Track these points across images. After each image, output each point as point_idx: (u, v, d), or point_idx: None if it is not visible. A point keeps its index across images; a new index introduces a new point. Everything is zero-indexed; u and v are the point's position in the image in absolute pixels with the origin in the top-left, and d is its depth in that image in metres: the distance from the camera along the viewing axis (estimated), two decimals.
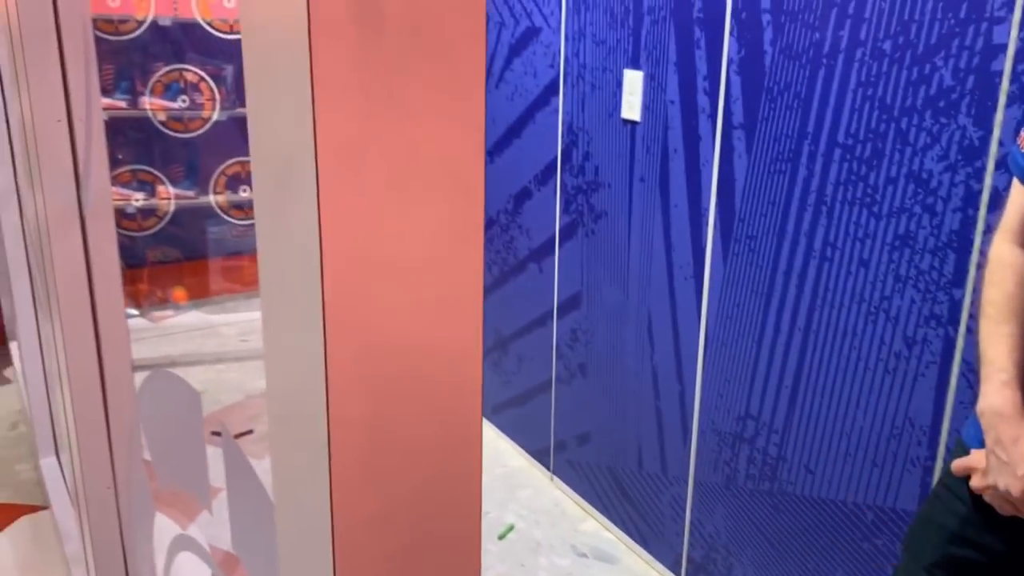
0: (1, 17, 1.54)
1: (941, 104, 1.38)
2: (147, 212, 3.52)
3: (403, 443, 0.51)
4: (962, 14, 1.34)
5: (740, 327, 1.83)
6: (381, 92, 0.42)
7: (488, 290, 2.75)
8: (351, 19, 0.40)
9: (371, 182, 0.43)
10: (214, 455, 0.95)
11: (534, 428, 2.61)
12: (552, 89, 2.29)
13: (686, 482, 2.05)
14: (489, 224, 2.68)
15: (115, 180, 3.41)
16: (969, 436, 1.15)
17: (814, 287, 1.65)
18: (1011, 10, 1.28)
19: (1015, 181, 1.10)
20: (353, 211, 0.43)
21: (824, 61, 1.55)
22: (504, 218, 2.59)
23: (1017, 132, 1.13)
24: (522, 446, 2.69)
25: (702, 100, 1.83)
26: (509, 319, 2.65)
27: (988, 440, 1.03)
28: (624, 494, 2.27)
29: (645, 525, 2.21)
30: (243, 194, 3.67)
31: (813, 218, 1.63)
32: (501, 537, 2.30)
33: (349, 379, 0.47)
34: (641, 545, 2.23)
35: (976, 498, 1.15)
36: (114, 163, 3.42)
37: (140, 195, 3.45)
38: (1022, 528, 1.09)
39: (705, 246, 1.89)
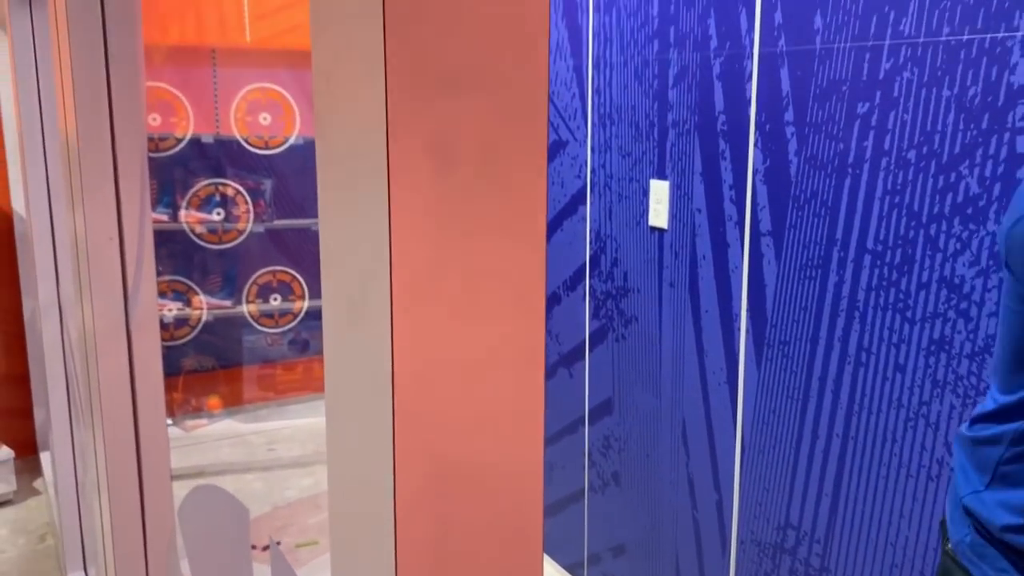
0: (60, 132, 1.62)
1: (969, 211, 1.40)
2: (180, 322, 3.58)
3: (468, 563, 0.51)
4: (984, 125, 1.37)
5: (777, 433, 1.81)
6: (453, 221, 0.44)
7: None
8: (426, 151, 0.43)
9: (441, 306, 0.45)
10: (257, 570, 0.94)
11: (567, 540, 2.56)
12: (579, 198, 2.34)
13: None
14: None
15: None
16: (953, 519, 1.13)
17: (851, 392, 1.64)
18: None
19: None
20: (423, 334, 0.45)
21: (849, 171, 1.59)
22: None
23: None
24: (555, 559, 2.63)
25: (729, 208, 1.86)
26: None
27: None
28: None
29: None
30: (273, 303, 3.73)
31: (846, 323, 1.63)
32: None
33: (416, 503, 0.48)
34: None
35: None
36: None
37: (176, 305, 3.52)
38: None
39: (738, 351, 1.89)
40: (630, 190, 2.15)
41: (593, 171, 2.28)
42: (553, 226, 2.48)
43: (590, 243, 2.32)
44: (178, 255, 3.56)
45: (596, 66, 2.22)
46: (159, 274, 3.52)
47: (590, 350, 2.37)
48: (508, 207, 0.46)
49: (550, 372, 2.57)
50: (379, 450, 0.47)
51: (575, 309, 2.41)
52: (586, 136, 2.29)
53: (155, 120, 3.48)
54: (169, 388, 3.54)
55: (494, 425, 0.50)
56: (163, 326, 3.56)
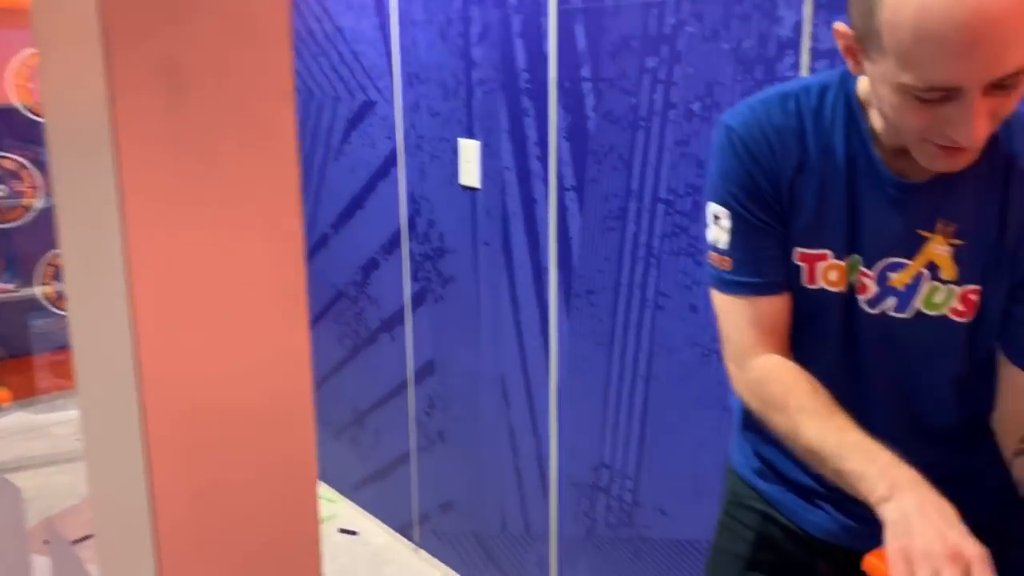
0: None
1: None
2: None
3: (234, 515, 0.50)
4: (758, 75, 1.47)
5: (588, 378, 1.89)
6: (189, 151, 0.42)
7: (341, 364, 2.71)
8: (154, 78, 0.41)
9: (181, 239, 0.43)
10: (44, 565, 0.89)
11: (397, 502, 2.57)
12: (391, 160, 2.32)
13: (548, 538, 2.07)
14: (338, 297, 2.65)
15: None
16: (738, 463, 1.23)
17: (651, 334, 1.73)
18: (798, 71, 1.42)
19: (727, 300, 1.07)
20: (162, 269, 0.43)
21: (642, 124, 1.67)
22: (353, 290, 2.58)
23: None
24: (386, 522, 2.64)
25: (535, 165, 1.91)
26: (364, 392, 2.62)
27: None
28: (491, 558, 2.26)
29: None
30: None
31: (644, 270, 1.72)
32: None
33: (171, 449, 0.46)
34: None
35: (760, 523, 1.21)
36: None
37: None
38: (811, 540, 1.16)
39: (549, 303, 1.95)
40: (441, 150, 2.16)
41: (404, 132, 2.26)
42: (367, 189, 2.44)
43: (405, 205, 2.31)
44: None
45: (401, 24, 2.20)
46: None
47: (412, 312, 2.37)
48: (252, 135, 0.45)
49: (372, 338, 2.55)
50: (126, 404, 0.45)
51: (393, 273, 2.40)
52: (393, 96, 2.27)
53: None
54: None
55: (255, 371, 0.49)
56: None
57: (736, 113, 1.05)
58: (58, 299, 3.46)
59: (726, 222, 1.06)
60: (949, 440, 1.08)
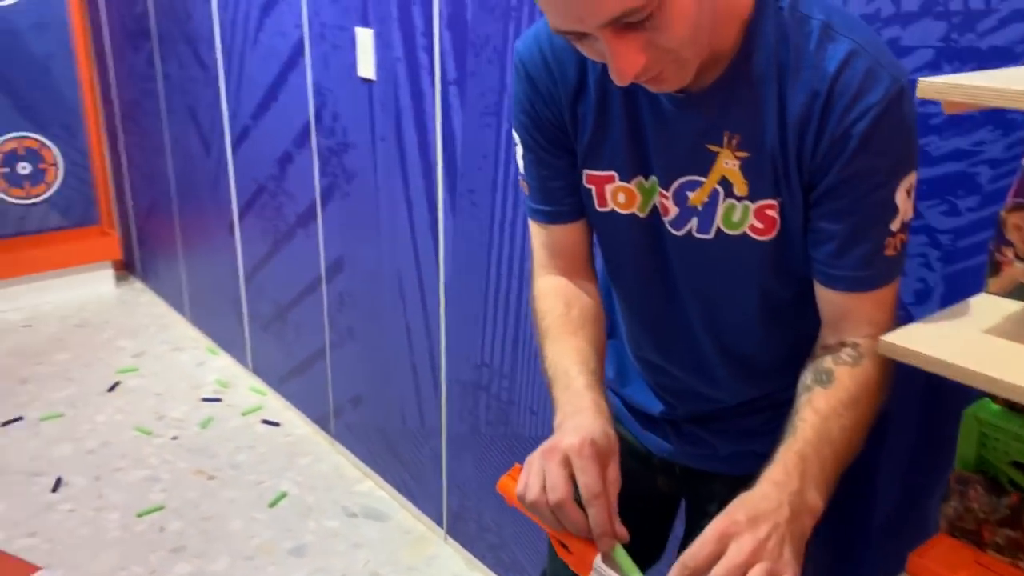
0: None
1: None
2: None
3: None
4: None
5: (470, 278, 1.88)
6: None
7: (264, 260, 2.71)
8: None
9: None
10: None
11: (315, 395, 2.60)
12: (299, 49, 2.25)
13: (440, 434, 2.10)
14: (259, 192, 2.63)
15: None
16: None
17: (524, 234, 1.70)
18: None
19: (530, 222, 1.08)
20: None
21: (513, 13, 1.60)
22: (272, 184, 2.55)
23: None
24: (306, 414, 2.68)
25: (422, 57, 1.84)
26: (285, 288, 2.63)
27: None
28: (393, 452, 2.30)
29: (412, 480, 2.25)
30: (21, 171, 3.46)
31: (516, 169, 1.67)
32: (271, 505, 2.29)
33: None
34: (411, 500, 2.27)
35: None
36: None
37: None
38: (650, 456, 1.17)
39: (437, 201, 1.92)
40: (342, 39, 2.09)
41: (309, 20, 2.19)
42: (279, 81, 2.39)
43: (312, 97, 2.26)
44: None
45: None
46: None
47: (322, 208, 2.35)
48: None
49: (289, 233, 2.54)
50: None
51: (305, 166, 2.37)
52: None
53: None
54: None
55: None
56: None
57: (524, 37, 1.01)
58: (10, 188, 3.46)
59: (519, 148, 1.04)
60: (773, 371, 1.05)
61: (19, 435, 2.59)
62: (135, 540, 2.15)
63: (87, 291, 3.66)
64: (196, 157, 2.97)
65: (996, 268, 0.94)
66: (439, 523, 2.18)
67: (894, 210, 0.87)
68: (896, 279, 0.92)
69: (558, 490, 0.84)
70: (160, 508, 2.26)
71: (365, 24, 1.98)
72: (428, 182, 1.93)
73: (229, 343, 3.08)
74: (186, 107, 2.94)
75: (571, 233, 1.05)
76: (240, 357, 3.01)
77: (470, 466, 2.02)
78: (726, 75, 0.88)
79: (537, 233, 1.07)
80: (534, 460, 0.87)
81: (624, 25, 0.76)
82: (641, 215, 0.98)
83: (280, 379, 2.80)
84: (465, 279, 1.89)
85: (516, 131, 1.03)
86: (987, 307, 0.92)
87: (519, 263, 1.73)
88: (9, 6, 3.31)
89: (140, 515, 2.23)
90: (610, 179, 0.98)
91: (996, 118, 0.99)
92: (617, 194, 0.98)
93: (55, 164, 3.55)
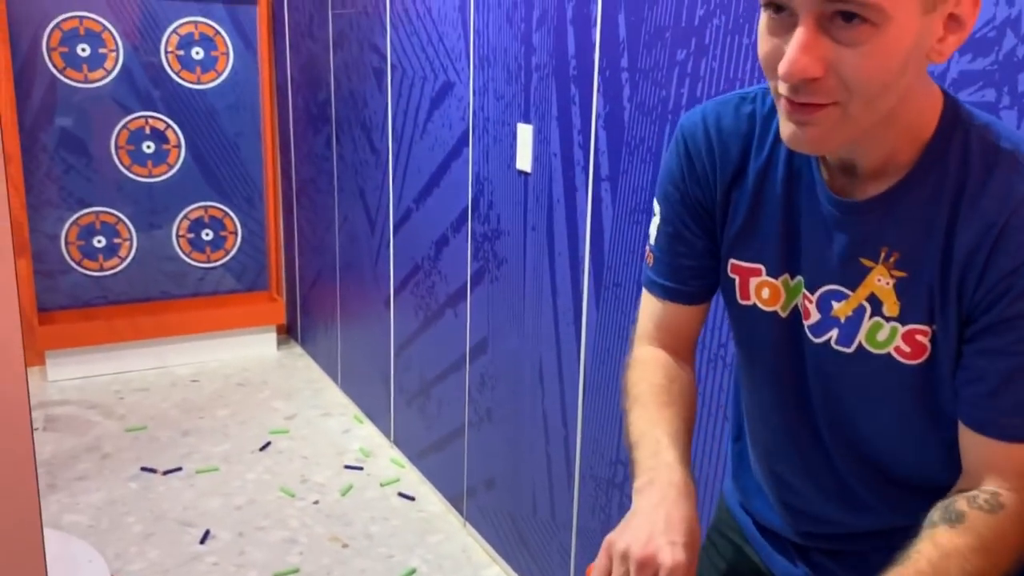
0: None
1: None
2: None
3: None
4: None
5: (611, 372, 1.87)
6: None
7: (414, 336, 2.80)
8: None
9: None
10: None
11: (451, 473, 2.64)
12: (464, 140, 2.37)
13: (571, 528, 2.07)
14: (415, 270, 2.74)
15: None
16: (726, 487, 1.18)
17: None
18: None
19: (644, 291, 1.08)
20: None
21: (670, 116, 1.62)
22: (428, 264, 2.66)
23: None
24: (441, 491, 2.72)
25: (578, 153, 1.90)
26: (431, 364, 2.70)
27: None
28: (523, 540, 2.29)
29: (538, 571, 2.22)
30: (204, 237, 3.78)
31: None
32: None
33: None
34: None
35: (734, 556, 1.17)
36: None
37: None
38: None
39: (583, 293, 1.94)
40: (503, 133, 2.18)
41: (474, 114, 2.30)
42: (443, 168, 2.51)
43: (471, 186, 2.36)
44: None
45: (476, 7, 2.23)
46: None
47: (471, 290, 2.42)
48: None
49: (439, 312, 2.62)
50: None
51: (459, 250, 2.46)
52: (469, 78, 2.31)
53: None
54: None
55: None
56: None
57: (691, 113, 1.01)
58: (192, 250, 3.77)
59: (657, 219, 1.04)
60: (913, 491, 0.96)
61: (177, 485, 2.76)
62: None
63: (251, 352, 3.90)
64: (361, 234, 3.14)
65: None
66: None
67: None
68: None
69: None
70: (296, 571, 2.34)
71: (526, 120, 2.06)
72: (575, 273, 1.95)
73: (375, 413, 3.18)
74: (356, 188, 3.14)
75: (686, 315, 1.04)
76: (384, 428, 3.10)
77: None
78: (896, 189, 0.85)
79: (649, 304, 1.06)
80: (626, 558, 0.83)
81: (830, 19, 0.74)
82: (782, 315, 0.96)
83: (419, 453, 2.86)
84: (606, 373, 1.89)
85: (659, 202, 1.03)
86: None
87: None
88: (210, 88, 3.67)
89: None
90: (756, 272, 0.96)
91: None
92: (761, 289, 0.96)
93: (235, 232, 3.85)
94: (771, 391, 1.01)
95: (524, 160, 2.09)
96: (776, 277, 0.95)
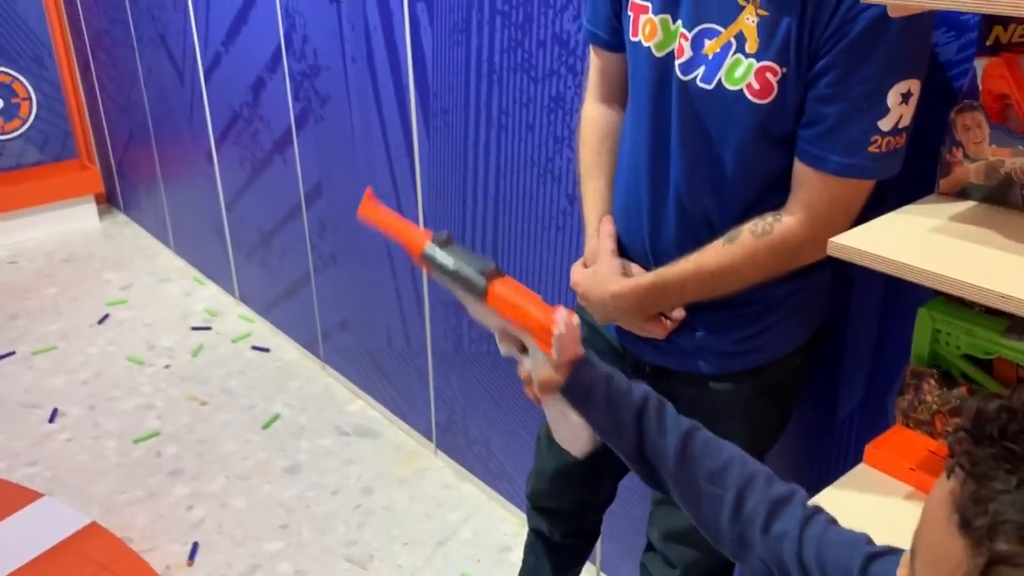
0: None
1: None
2: None
3: None
4: None
5: (448, 200, 1.89)
6: None
7: (244, 188, 2.71)
8: None
9: None
10: None
11: (302, 320, 2.64)
12: None
13: (426, 353, 2.15)
14: (234, 119, 2.61)
15: None
16: None
17: (497, 156, 1.71)
18: None
19: (591, 47, 1.20)
20: None
21: None
22: (247, 111, 2.54)
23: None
24: (295, 339, 2.73)
25: None
26: (267, 214, 2.64)
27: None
28: (381, 372, 2.35)
29: (400, 398, 2.31)
30: None
31: (488, 87, 1.67)
32: (265, 427, 2.36)
33: None
34: (400, 417, 2.34)
35: (588, 335, 1.26)
36: None
37: None
38: (625, 354, 1.21)
39: (411, 123, 1.92)
40: None
41: None
42: (247, 3, 2.35)
43: (282, 20, 2.23)
44: None
45: None
46: None
47: (297, 134, 2.34)
48: None
49: (266, 160, 2.53)
50: None
51: (278, 91, 2.35)
52: None
53: None
54: None
55: None
56: None
57: None
58: None
59: None
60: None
61: (13, 369, 2.64)
62: (133, 465, 2.21)
63: (71, 226, 3.66)
64: (170, 86, 2.94)
65: (947, 169, 0.97)
66: (428, 438, 2.25)
67: (884, 109, 0.92)
68: (870, 180, 0.97)
69: None
70: (156, 434, 2.32)
71: None
72: (401, 103, 1.92)
73: (215, 272, 3.10)
74: (156, 35, 2.90)
75: (614, 62, 1.17)
76: (227, 286, 3.04)
77: (456, 382, 2.08)
78: None
79: (590, 56, 1.22)
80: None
81: None
82: (657, 54, 1.05)
83: (267, 306, 2.83)
84: (442, 200, 1.91)
85: None
86: (937, 207, 0.95)
87: (494, 182, 1.75)
88: None
89: (137, 441, 2.30)
90: (645, 9, 1.05)
91: (950, 20, 1.00)
92: (645, 25, 1.06)
93: (28, 98, 3.50)
94: (642, 125, 1.11)
95: None
96: (657, 15, 1.04)
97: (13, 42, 3.41)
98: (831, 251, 0.88)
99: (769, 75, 0.96)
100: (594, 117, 1.21)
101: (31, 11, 3.40)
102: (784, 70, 0.95)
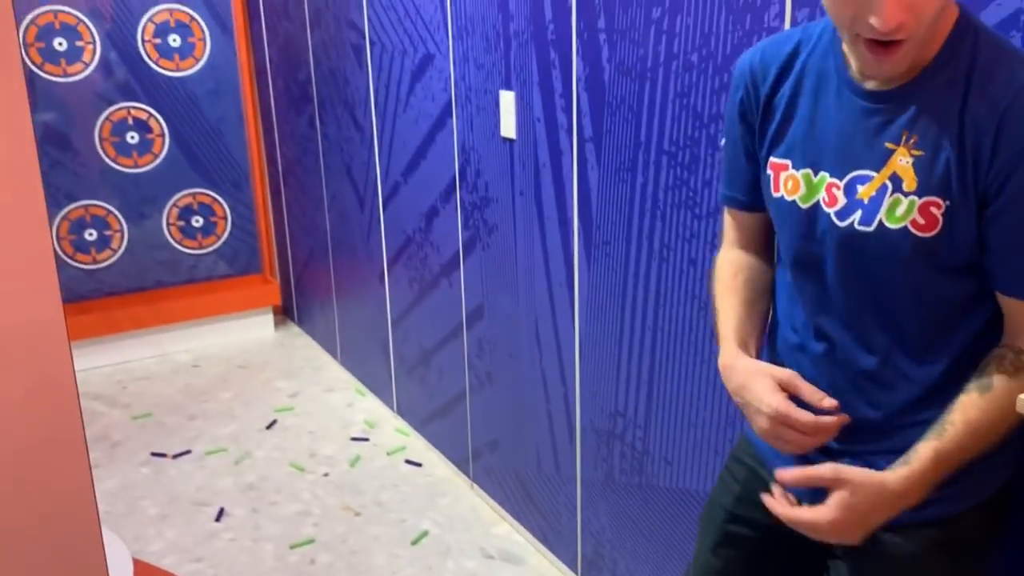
0: None
1: None
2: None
3: None
4: (747, 26, 1.44)
5: (605, 328, 1.93)
6: None
7: (410, 307, 2.85)
8: None
9: None
10: None
11: (455, 437, 2.70)
12: (447, 111, 2.40)
13: (575, 481, 2.14)
14: (407, 243, 2.79)
15: None
16: (750, 431, 1.24)
17: (657, 286, 1.74)
18: (782, 21, 1.38)
19: (726, 210, 1.28)
20: None
21: (648, 75, 1.66)
22: (419, 236, 2.70)
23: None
24: (446, 455, 2.79)
25: (560, 117, 1.94)
26: (429, 333, 2.76)
27: (729, 391, 1.17)
28: (529, 496, 2.36)
29: (547, 525, 2.30)
30: (195, 224, 3.81)
31: (651, 222, 1.72)
32: (414, 543, 2.39)
33: None
34: (545, 545, 2.31)
35: (747, 478, 1.24)
36: None
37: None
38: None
39: (573, 254, 1.99)
40: (486, 102, 2.21)
41: (456, 84, 2.33)
42: (428, 141, 2.54)
43: (457, 156, 2.39)
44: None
45: None
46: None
47: (464, 259, 2.47)
48: None
49: (433, 282, 2.67)
50: None
51: (449, 220, 2.50)
52: (448, 49, 2.34)
53: None
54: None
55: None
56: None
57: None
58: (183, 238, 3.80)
59: (723, 140, 1.22)
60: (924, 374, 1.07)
61: (188, 468, 2.82)
62: (289, 570, 2.29)
63: (249, 335, 3.94)
64: (351, 211, 3.18)
65: None
66: (573, 569, 2.21)
67: None
68: None
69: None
70: (311, 541, 2.41)
71: (508, 87, 2.10)
72: (564, 235, 2.00)
73: (377, 385, 3.24)
74: (343, 165, 3.17)
75: (749, 220, 1.24)
76: (387, 399, 3.16)
77: (604, 514, 2.05)
78: (917, 80, 0.98)
79: (724, 214, 1.28)
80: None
81: None
82: (802, 205, 1.08)
83: (423, 421, 2.92)
84: (600, 329, 1.94)
85: (725, 131, 1.22)
86: None
87: (653, 313, 1.77)
88: (189, 75, 3.68)
89: (293, 547, 2.38)
90: (784, 167, 1.10)
91: None
92: (787, 181, 1.10)
93: (225, 217, 3.87)
94: (793, 274, 1.15)
95: (508, 127, 2.13)
96: (799, 170, 1.08)
97: (218, 168, 3.82)
98: None
99: (933, 209, 0.98)
100: (730, 258, 1.27)
101: (235, 142, 3.81)
102: (947, 203, 0.97)
